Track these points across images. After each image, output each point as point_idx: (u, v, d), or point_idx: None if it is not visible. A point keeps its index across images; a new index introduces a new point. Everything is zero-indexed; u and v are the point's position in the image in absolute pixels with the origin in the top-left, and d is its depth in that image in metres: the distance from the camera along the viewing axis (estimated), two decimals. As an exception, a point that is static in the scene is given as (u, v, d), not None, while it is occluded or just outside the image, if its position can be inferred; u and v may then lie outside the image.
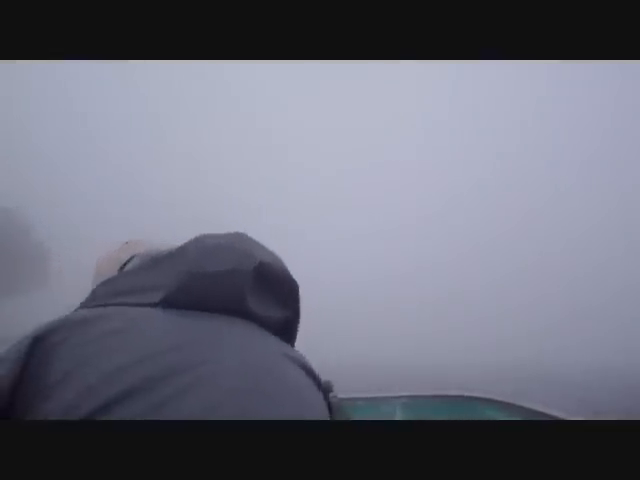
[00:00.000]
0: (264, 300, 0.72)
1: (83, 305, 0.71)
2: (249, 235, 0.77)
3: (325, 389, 0.71)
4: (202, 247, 0.71)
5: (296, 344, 0.78)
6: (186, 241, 0.74)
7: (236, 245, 0.72)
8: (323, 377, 0.72)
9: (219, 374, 0.57)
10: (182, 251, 0.72)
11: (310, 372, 0.68)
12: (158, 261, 0.75)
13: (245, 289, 0.69)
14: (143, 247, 0.85)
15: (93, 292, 0.73)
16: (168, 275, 0.69)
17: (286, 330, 0.77)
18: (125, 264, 0.83)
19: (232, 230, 0.77)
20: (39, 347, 0.57)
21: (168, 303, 0.67)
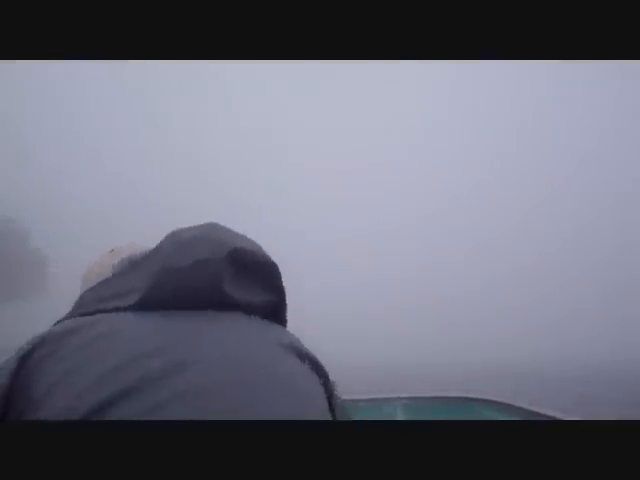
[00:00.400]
0: (245, 285, 0.72)
1: (70, 314, 0.72)
2: (222, 224, 0.77)
3: (329, 388, 0.70)
4: (175, 242, 0.72)
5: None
6: (162, 239, 0.75)
7: (209, 235, 0.72)
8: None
9: (204, 374, 0.57)
10: (157, 250, 0.73)
11: (305, 356, 0.68)
12: (136, 264, 0.75)
13: (222, 277, 0.69)
14: (128, 253, 0.85)
15: (80, 298, 0.74)
16: (143, 276, 0.70)
17: (275, 313, 0.76)
18: None
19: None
20: (28, 362, 0.59)
21: (144, 304, 0.67)
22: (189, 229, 0.74)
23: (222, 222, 0.77)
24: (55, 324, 0.69)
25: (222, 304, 0.69)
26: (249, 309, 0.71)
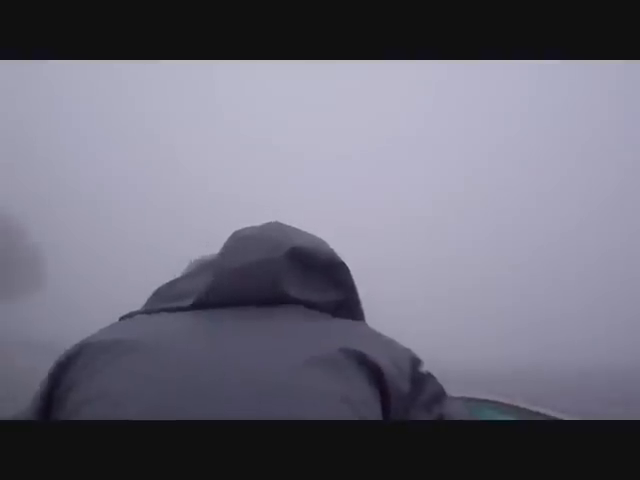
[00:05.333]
0: (308, 285, 0.71)
1: (145, 306, 0.76)
2: (283, 223, 0.76)
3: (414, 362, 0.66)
4: (233, 242, 0.72)
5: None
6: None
7: (269, 234, 0.72)
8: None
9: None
10: (219, 252, 0.73)
11: (361, 360, 0.60)
12: (204, 266, 0.77)
13: (280, 276, 0.68)
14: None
15: (157, 290, 0.77)
16: (203, 278, 0.71)
17: (345, 310, 0.74)
18: None
19: (233, 227, 0.77)
20: (63, 377, 0.61)
21: (199, 306, 0.68)
22: (249, 229, 0.75)
23: (223, 223, 0.76)
24: (121, 317, 0.73)
25: (282, 303, 0.68)
26: (316, 308, 0.70)
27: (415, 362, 0.67)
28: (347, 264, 0.76)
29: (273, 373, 0.57)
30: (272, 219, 0.77)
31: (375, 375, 0.60)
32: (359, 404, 0.57)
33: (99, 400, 0.55)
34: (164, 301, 0.73)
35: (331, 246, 0.77)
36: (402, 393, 0.62)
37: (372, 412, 0.58)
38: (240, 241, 0.72)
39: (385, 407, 0.60)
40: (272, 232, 0.73)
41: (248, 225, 0.76)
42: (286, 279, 0.68)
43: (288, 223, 0.78)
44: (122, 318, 0.73)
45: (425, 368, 0.68)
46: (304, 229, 0.78)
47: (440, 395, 0.66)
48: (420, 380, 0.66)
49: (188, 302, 0.69)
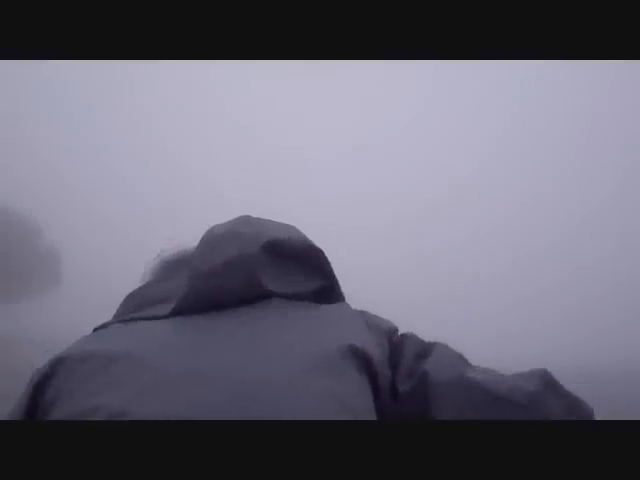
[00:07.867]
0: (288, 276, 0.70)
1: (115, 316, 0.73)
2: (254, 216, 0.74)
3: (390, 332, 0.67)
4: (206, 241, 0.70)
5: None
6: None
7: (238, 229, 0.70)
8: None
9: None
10: (193, 252, 0.71)
11: (349, 349, 0.60)
12: (176, 266, 0.76)
13: (257, 272, 0.66)
14: (169, 254, 0.84)
15: (125, 300, 0.75)
16: (179, 281, 0.70)
17: (326, 296, 0.73)
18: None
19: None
20: (42, 393, 0.59)
21: (179, 312, 0.66)
22: (222, 226, 0.72)
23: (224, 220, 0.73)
24: (95, 329, 0.70)
25: (263, 299, 0.67)
26: (296, 299, 0.69)
27: (391, 332, 0.69)
28: (345, 264, 0.75)
29: (262, 378, 0.56)
30: (272, 217, 0.76)
31: (365, 363, 0.61)
32: (350, 397, 0.57)
33: (96, 413, 0.54)
34: (139, 308, 0.72)
35: (329, 244, 0.76)
36: (388, 376, 0.63)
37: (365, 402, 0.59)
38: (212, 240, 0.70)
39: (375, 391, 0.61)
40: (243, 227, 0.71)
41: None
42: (264, 274, 0.67)
43: (288, 222, 0.76)
44: (96, 329, 0.71)
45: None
46: (303, 228, 0.77)
47: (424, 351, 0.67)
48: (398, 345, 0.67)
49: (166, 309, 0.67)
